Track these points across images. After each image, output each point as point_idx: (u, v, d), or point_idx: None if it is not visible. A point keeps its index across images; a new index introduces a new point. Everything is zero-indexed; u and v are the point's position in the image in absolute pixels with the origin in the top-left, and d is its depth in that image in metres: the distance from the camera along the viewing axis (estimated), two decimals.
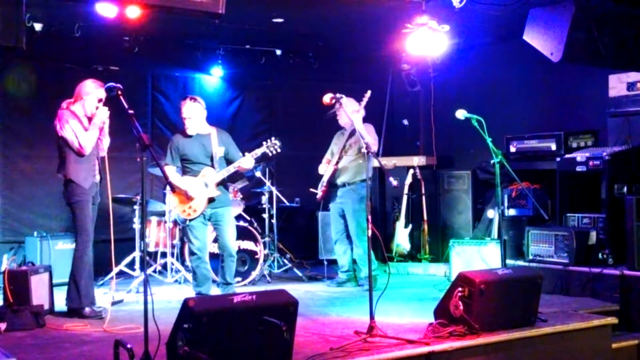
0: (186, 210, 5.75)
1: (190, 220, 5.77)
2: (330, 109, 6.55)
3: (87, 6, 6.06)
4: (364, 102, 6.53)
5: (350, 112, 6.35)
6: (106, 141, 5.48)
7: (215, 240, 6.14)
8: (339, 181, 6.73)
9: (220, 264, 5.95)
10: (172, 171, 5.78)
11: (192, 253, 5.86)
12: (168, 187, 6.69)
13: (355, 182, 6.68)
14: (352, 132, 6.56)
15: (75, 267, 5.36)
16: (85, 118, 5.39)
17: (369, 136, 6.45)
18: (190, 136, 5.86)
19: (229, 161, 5.90)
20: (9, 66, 7.51)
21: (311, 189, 6.98)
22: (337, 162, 6.65)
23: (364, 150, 4.99)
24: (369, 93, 6.48)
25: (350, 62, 8.95)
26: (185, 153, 5.82)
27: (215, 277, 6.29)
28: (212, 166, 5.81)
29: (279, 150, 5.93)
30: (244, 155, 5.88)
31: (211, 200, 5.76)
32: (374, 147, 6.43)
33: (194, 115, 5.81)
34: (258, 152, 5.86)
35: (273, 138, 5.94)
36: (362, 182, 6.59)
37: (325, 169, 6.82)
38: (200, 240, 5.82)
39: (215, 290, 6.05)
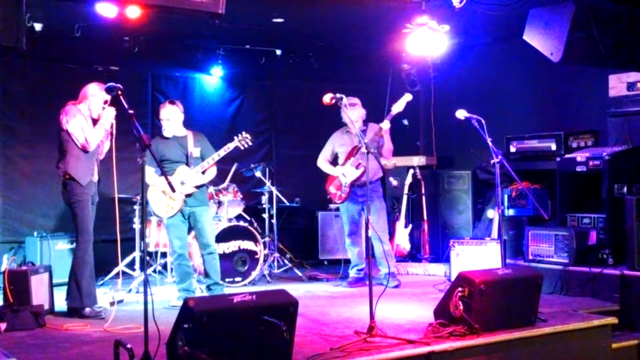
0: (164, 207, 5.90)
1: (169, 217, 5.90)
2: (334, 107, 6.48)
3: (87, 6, 6.07)
4: (401, 105, 6.49)
5: (358, 114, 6.55)
6: (106, 145, 5.50)
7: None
8: (361, 180, 6.59)
9: (204, 264, 6.04)
10: (150, 172, 5.89)
11: (173, 252, 6.01)
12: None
13: (374, 181, 6.71)
14: (364, 132, 6.54)
15: (76, 266, 5.36)
16: (90, 119, 5.40)
17: (389, 141, 6.70)
18: (168, 138, 6.00)
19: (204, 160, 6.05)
20: (9, 66, 7.52)
21: (330, 194, 6.82)
22: (359, 164, 6.55)
23: (366, 150, 4.94)
24: (409, 97, 6.50)
25: (350, 62, 8.95)
26: (163, 154, 5.93)
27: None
28: (187, 164, 5.93)
29: (250, 143, 6.13)
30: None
31: (188, 196, 5.88)
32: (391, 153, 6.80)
33: (171, 117, 5.98)
34: (230, 146, 6.02)
35: (244, 132, 6.13)
36: (378, 180, 6.78)
37: (342, 170, 6.67)
38: (180, 239, 5.96)
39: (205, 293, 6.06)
